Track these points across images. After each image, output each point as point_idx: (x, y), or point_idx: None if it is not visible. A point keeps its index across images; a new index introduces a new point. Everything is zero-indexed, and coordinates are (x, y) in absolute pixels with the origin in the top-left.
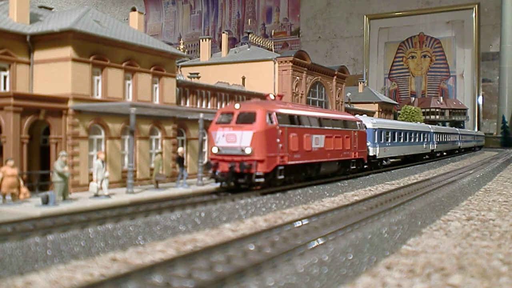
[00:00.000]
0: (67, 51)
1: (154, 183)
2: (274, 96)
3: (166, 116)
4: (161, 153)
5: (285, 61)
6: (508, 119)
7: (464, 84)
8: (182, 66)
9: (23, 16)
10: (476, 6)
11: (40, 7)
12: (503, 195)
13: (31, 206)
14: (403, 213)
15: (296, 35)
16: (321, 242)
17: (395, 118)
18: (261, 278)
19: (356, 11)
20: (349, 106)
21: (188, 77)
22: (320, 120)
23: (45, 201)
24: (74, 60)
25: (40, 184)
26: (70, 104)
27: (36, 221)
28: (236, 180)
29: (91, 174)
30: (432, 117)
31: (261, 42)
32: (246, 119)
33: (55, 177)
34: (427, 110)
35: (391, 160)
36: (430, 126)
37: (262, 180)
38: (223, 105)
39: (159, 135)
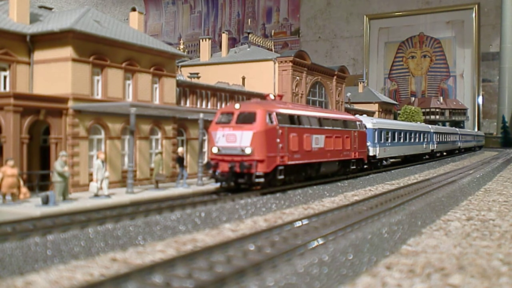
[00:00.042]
0: (67, 51)
1: (154, 183)
2: (274, 96)
3: (166, 116)
4: (161, 153)
5: (285, 61)
6: (508, 119)
7: (464, 84)
8: (182, 66)
9: (23, 16)
10: (476, 6)
11: (40, 7)
12: (503, 195)
13: (31, 206)
14: (403, 213)
15: (296, 35)
16: (321, 242)
17: (395, 118)
18: (261, 278)
19: (356, 11)
20: (349, 106)
21: (188, 77)
22: (320, 120)
23: (45, 201)
24: (74, 60)
25: (40, 184)
26: (70, 104)
27: (36, 221)
28: (236, 180)
29: (91, 174)
30: (432, 117)
31: (261, 42)
32: (246, 119)
33: (55, 177)
34: (427, 110)
35: (391, 160)
36: (430, 126)
37: (262, 180)
38: (223, 105)
39: (159, 135)
